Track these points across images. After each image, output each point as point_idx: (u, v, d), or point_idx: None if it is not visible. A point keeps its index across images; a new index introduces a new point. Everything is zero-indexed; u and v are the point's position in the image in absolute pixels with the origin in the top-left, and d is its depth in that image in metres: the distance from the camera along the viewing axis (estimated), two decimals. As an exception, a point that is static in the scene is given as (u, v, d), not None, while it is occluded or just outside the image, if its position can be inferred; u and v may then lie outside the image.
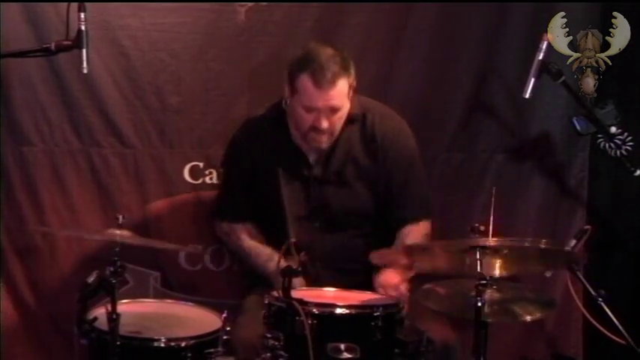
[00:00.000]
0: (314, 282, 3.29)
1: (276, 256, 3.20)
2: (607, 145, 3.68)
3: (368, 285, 3.31)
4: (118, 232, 2.93)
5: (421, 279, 3.29)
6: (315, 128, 3.35)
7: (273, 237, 3.45)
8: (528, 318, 2.96)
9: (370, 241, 3.43)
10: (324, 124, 3.34)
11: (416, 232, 3.47)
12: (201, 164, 3.86)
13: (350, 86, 3.36)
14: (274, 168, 3.48)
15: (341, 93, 3.33)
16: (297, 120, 3.40)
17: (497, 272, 2.90)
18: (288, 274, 2.84)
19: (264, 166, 3.50)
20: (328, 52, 3.34)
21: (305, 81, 3.30)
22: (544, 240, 2.91)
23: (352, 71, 3.36)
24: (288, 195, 3.46)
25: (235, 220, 3.58)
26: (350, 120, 3.44)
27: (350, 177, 3.46)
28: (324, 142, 3.41)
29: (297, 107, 3.36)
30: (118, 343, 2.79)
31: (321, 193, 3.46)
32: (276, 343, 2.86)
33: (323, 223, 3.46)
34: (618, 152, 3.63)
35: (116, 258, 2.82)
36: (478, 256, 2.82)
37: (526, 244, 2.95)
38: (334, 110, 3.34)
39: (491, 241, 2.84)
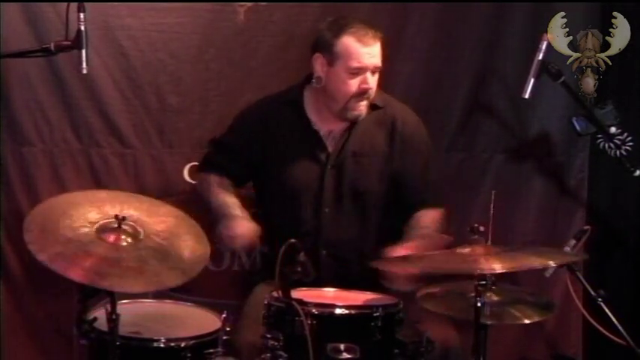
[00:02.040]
0: (316, 271, 3.26)
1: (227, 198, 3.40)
2: (607, 145, 3.68)
3: (368, 278, 3.31)
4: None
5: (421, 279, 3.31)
6: (360, 93, 3.36)
7: (284, 222, 3.44)
8: (527, 321, 2.96)
9: (377, 234, 3.44)
10: (372, 82, 3.36)
11: (429, 216, 3.45)
12: (200, 164, 3.86)
13: (381, 48, 3.38)
14: (287, 152, 3.47)
15: (381, 50, 3.37)
16: (339, 90, 3.38)
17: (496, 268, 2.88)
18: (287, 274, 2.84)
19: (277, 150, 3.48)
20: (356, 19, 3.40)
21: (349, 42, 3.33)
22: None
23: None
24: (300, 179, 3.45)
25: (214, 171, 3.55)
26: (373, 106, 3.46)
27: (366, 159, 3.46)
28: (364, 109, 3.41)
29: (340, 74, 3.36)
30: (118, 343, 2.78)
31: (336, 177, 3.44)
32: (276, 344, 2.86)
33: (333, 209, 3.44)
34: (618, 152, 3.63)
35: (115, 258, 2.82)
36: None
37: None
38: (377, 70, 3.37)
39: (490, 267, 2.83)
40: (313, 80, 3.43)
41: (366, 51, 3.33)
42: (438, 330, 3.13)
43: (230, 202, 3.45)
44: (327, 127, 3.47)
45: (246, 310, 3.35)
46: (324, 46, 3.37)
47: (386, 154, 3.48)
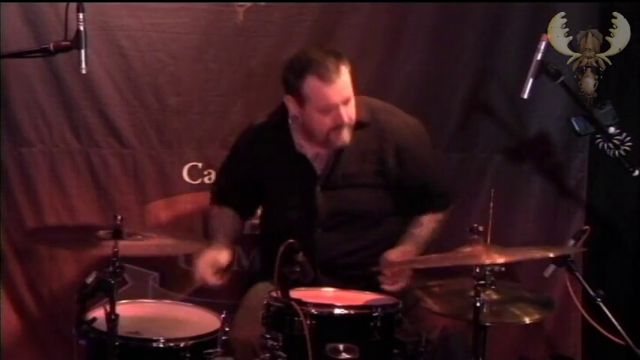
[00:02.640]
0: (314, 284, 3.28)
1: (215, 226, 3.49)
2: (606, 145, 3.68)
3: (367, 285, 3.31)
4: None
5: (421, 279, 3.30)
6: (337, 127, 3.30)
7: (280, 242, 3.44)
8: (527, 320, 2.96)
9: (372, 250, 3.42)
10: (346, 117, 3.29)
11: (428, 220, 3.45)
12: (199, 164, 3.86)
13: (350, 74, 3.31)
14: (277, 176, 3.46)
15: (348, 81, 3.30)
16: (315, 127, 3.33)
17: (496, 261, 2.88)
18: (285, 274, 2.84)
19: (267, 174, 3.48)
20: (314, 50, 3.34)
21: (312, 83, 3.25)
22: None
23: (344, 56, 3.32)
24: (290, 202, 3.43)
25: (218, 203, 3.60)
26: (359, 125, 3.39)
27: (358, 180, 3.42)
28: (347, 136, 3.33)
29: (312, 114, 3.30)
30: (117, 343, 2.78)
31: (328, 200, 3.41)
32: (275, 344, 2.86)
33: (326, 230, 3.42)
34: (617, 152, 3.63)
35: (115, 258, 2.82)
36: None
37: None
38: (348, 101, 3.30)
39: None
40: (289, 120, 3.41)
41: (332, 89, 3.25)
42: (437, 319, 3.12)
43: (214, 229, 3.54)
44: (313, 150, 3.42)
45: (244, 304, 3.35)
46: (291, 88, 3.31)
47: (378, 170, 3.42)
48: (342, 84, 3.27)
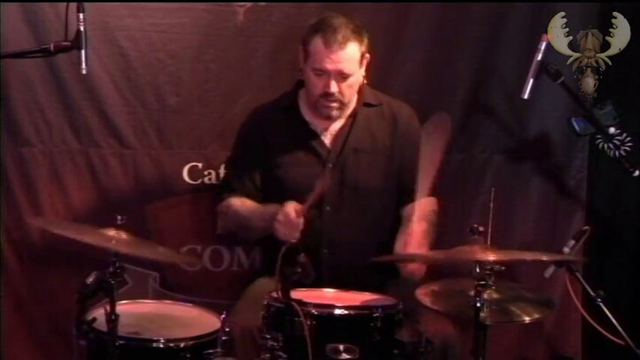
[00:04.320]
0: (317, 271, 3.25)
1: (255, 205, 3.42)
2: (606, 145, 3.69)
3: (369, 276, 3.31)
4: (114, 233, 2.91)
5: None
6: (326, 94, 3.37)
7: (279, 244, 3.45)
8: (527, 319, 2.96)
9: (380, 231, 3.46)
10: (333, 87, 3.36)
11: (422, 206, 3.40)
12: (200, 165, 3.86)
13: (362, 54, 3.40)
14: (286, 155, 3.48)
15: (351, 58, 3.36)
16: (308, 87, 3.42)
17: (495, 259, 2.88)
18: (286, 275, 2.84)
19: (276, 155, 3.50)
20: (341, 19, 3.39)
21: (316, 42, 3.35)
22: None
23: (365, 40, 3.41)
24: (301, 179, 3.44)
25: (235, 194, 3.55)
26: (367, 104, 3.49)
27: (368, 156, 3.47)
28: (334, 109, 3.41)
29: (308, 72, 3.40)
30: (117, 343, 2.78)
31: (337, 175, 3.45)
32: (275, 344, 2.86)
33: (335, 207, 3.45)
34: (617, 153, 3.63)
35: (115, 259, 2.82)
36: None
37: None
38: (343, 75, 3.36)
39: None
40: (299, 93, 3.50)
41: (329, 55, 3.33)
42: (437, 328, 3.14)
43: (259, 206, 3.47)
44: (323, 125, 3.49)
45: (246, 294, 3.38)
46: (304, 41, 3.42)
47: (388, 149, 3.50)
48: (342, 55, 3.34)
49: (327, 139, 3.49)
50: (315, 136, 3.48)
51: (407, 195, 3.44)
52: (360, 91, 3.51)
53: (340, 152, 3.47)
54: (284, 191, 3.44)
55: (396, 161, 3.50)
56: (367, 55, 3.45)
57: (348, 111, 3.49)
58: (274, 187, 3.51)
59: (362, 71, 3.45)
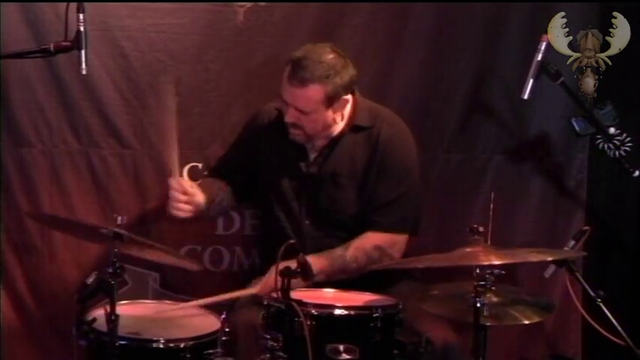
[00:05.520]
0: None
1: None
2: (606, 145, 3.69)
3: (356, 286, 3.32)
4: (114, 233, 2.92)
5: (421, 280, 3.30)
6: (288, 122, 3.38)
7: (272, 231, 3.49)
8: (526, 322, 2.96)
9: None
10: (289, 117, 3.36)
11: (366, 240, 3.37)
12: (200, 165, 3.86)
13: (328, 97, 3.31)
14: (274, 160, 3.50)
15: (310, 97, 3.31)
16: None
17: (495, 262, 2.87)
18: (286, 275, 2.84)
19: (264, 157, 3.52)
20: (320, 54, 3.32)
21: (286, 71, 3.34)
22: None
23: (337, 82, 3.31)
24: (280, 189, 3.47)
25: (215, 176, 3.64)
26: (357, 127, 3.43)
27: (344, 180, 3.43)
28: (297, 136, 3.41)
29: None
30: (117, 344, 2.78)
31: (314, 192, 3.45)
32: (275, 344, 2.86)
33: (313, 221, 3.45)
34: (617, 153, 3.64)
35: (115, 259, 2.82)
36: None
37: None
38: (300, 111, 3.34)
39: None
40: None
41: (289, 88, 3.32)
42: (437, 331, 3.13)
43: (207, 185, 3.54)
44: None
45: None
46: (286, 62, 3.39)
47: (362, 179, 3.43)
48: (299, 93, 3.30)
49: (312, 155, 3.48)
50: (303, 150, 3.47)
51: (371, 219, 3.40)
52: (353, 112, 3.44)
53: (319, 172, 3.45)
54: (267, 197, 3.50)
55: (369, 191, 3.42)
56: (346, 97, 3.36)
57: (334, 134, 3.44)
58: (260, 190, 3.54)
59: (331, 112, 3.36)
